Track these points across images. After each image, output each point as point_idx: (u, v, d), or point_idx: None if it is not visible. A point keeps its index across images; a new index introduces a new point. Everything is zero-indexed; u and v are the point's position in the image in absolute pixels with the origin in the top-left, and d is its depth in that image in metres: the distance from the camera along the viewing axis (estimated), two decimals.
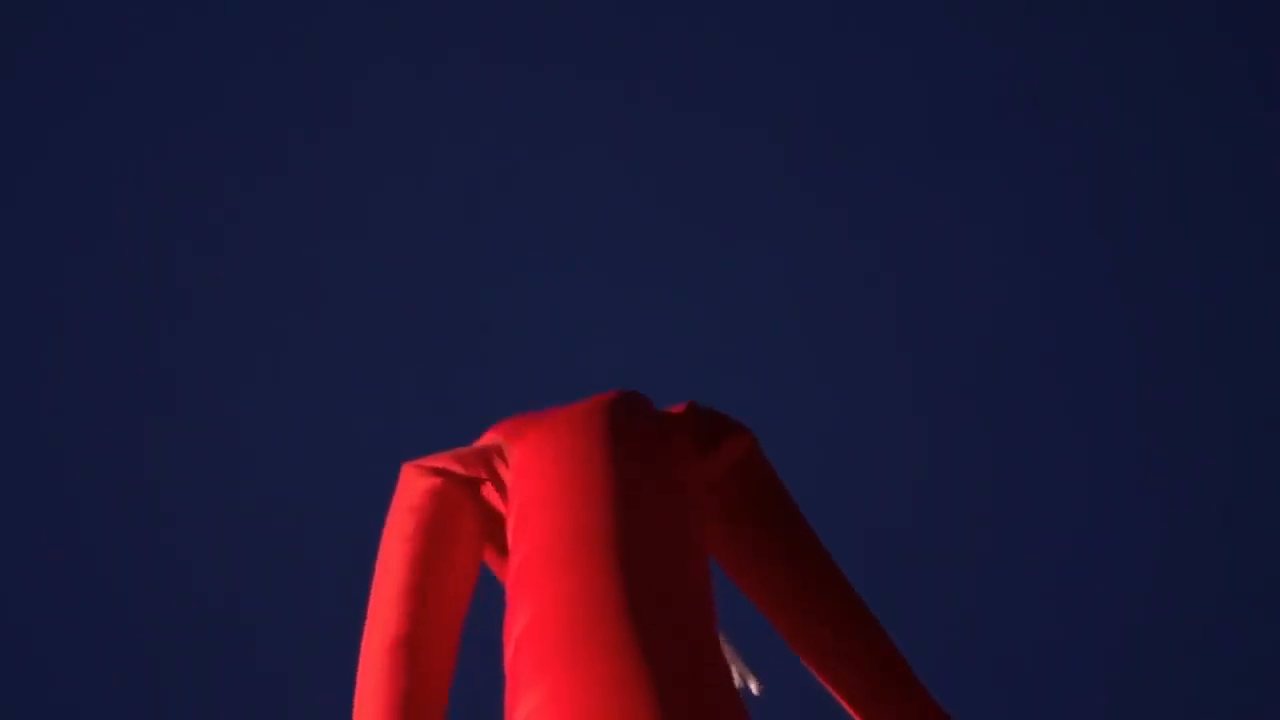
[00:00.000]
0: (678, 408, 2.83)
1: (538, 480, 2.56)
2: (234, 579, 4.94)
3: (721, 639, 2.81)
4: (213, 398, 5.08)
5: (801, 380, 5.14)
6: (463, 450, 2.73)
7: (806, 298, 5.22)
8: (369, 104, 5.24)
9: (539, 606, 2.40)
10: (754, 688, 2.85)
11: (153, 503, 4.98)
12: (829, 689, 2.73)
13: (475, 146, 5.25)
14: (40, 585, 4.94)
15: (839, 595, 2.69)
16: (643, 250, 5.25)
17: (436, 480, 2.68)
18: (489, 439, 2.74)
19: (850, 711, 2.73)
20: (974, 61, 5.32)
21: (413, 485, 2.71)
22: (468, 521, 2.69)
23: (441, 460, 2.75)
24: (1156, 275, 5.25)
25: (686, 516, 2.60)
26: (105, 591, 4.95)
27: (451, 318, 5.12)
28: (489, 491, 2.68)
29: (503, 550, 2.71)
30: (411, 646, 2.57)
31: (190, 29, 5.19)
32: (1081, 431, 5.17)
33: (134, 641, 4.93)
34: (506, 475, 2.64)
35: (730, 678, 2.37)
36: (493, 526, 2.70)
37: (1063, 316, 5.23)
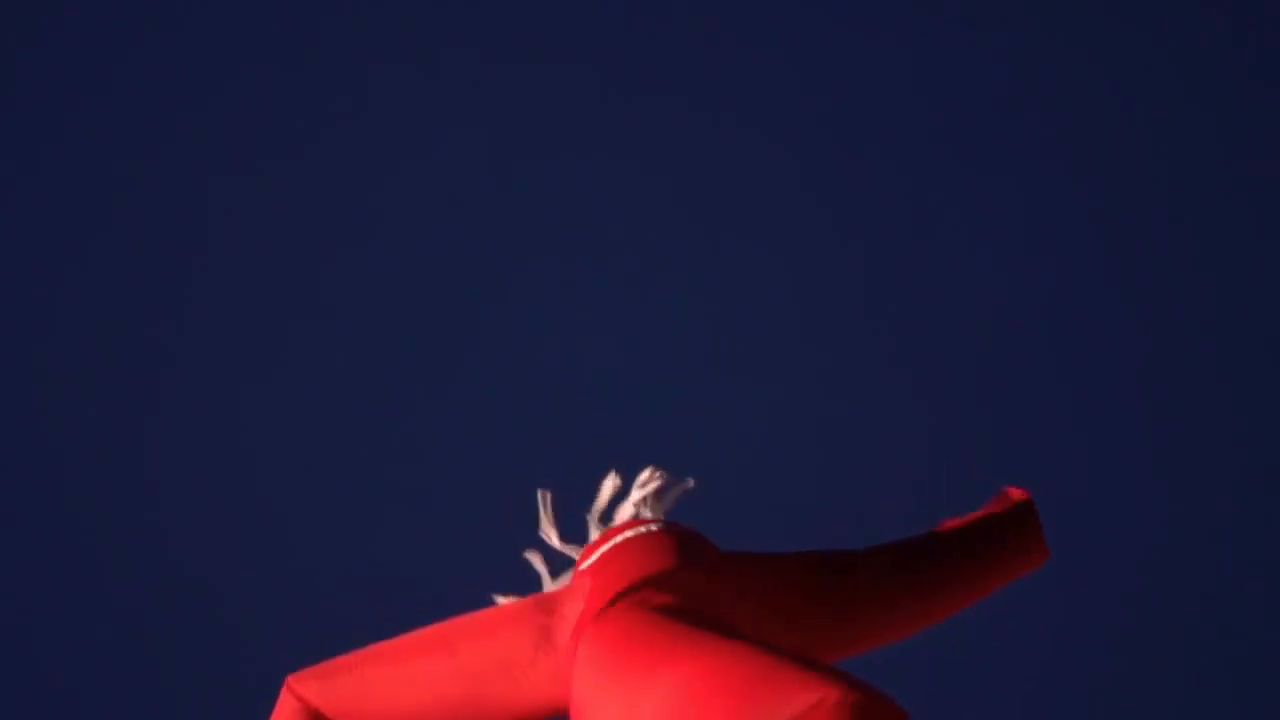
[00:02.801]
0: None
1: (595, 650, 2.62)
2: (233, 578, 4.95)
3: None
4: (213, 397, 5.09)
5: (801, 381, 5.14)
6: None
7: (806, 298, 5.22)
8: (368, 104, 5.25)
9: None
10: None
11: (151, 502, 4.99)
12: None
13: (475, 147, 5.26)
14: (39, 584, 4.95)
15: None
16: (644, 251, 5.26)
17: None
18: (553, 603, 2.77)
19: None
20: (974, 61, 5.32)
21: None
22: None
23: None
24: (1157, 276, 5.24)
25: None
26: (105, 591, 4.96)
27: (451, 319, 5.12)
28: None
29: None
30: None
31: (189, 29, 5.20)
32: (1082, 432, 5.17)
33: (134, 640, 4.94)
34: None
35: None
36: None
37: (1064, 317, 5.22)
